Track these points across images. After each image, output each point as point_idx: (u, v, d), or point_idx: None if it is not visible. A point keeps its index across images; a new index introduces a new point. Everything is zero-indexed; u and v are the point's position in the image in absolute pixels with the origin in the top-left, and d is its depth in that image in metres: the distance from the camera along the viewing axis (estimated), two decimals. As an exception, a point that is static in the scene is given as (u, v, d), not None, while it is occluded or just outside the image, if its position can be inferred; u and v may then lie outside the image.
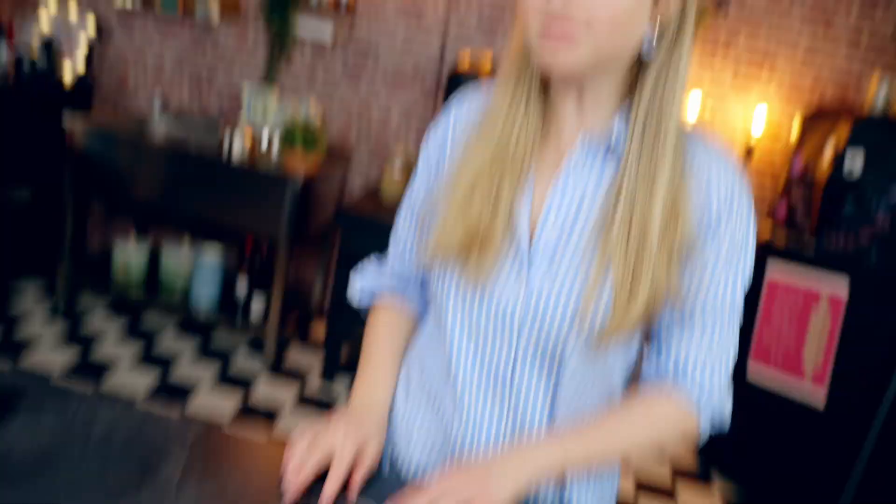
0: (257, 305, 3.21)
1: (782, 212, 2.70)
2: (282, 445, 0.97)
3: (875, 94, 2.60)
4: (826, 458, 2.53)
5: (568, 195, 0.86)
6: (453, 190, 0.88)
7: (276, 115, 3.20)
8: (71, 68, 3.46)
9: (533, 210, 0.88)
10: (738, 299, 0.86)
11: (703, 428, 0.89)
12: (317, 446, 0.86)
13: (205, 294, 3.23)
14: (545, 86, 0.89)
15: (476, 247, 0.86)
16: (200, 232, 3.56)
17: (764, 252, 2.72)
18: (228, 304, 3.26)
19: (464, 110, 0.96)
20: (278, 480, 0.87)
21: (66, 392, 0.96)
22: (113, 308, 3.38)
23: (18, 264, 3.44)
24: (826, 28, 2.98)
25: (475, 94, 0.97)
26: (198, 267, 3.22)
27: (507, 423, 0.93)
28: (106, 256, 3.42)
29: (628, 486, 2.76)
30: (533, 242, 0.87)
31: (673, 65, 0.81)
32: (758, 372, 2.68)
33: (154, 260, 3.38)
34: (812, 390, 2.52)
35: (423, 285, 1.06)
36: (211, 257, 3.20)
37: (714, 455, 2.96)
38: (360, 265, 1.13)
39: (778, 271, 2.63)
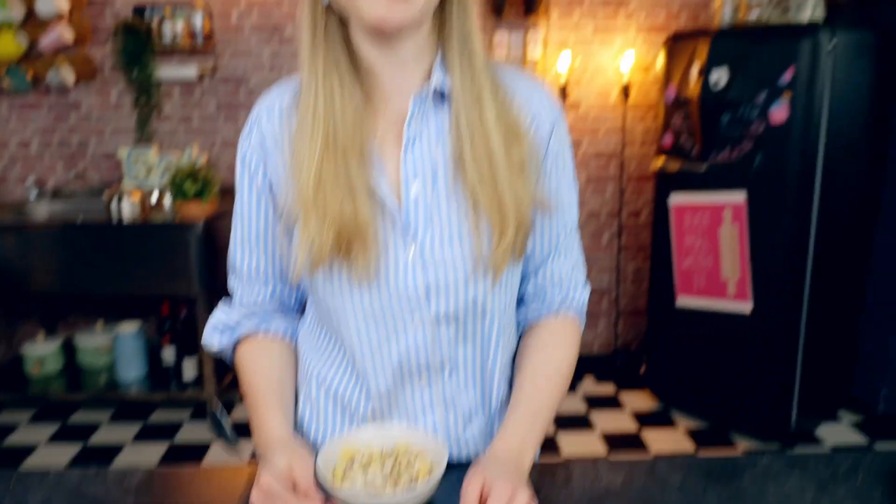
0: (189, 372, 3.07)
1: (669, 140, 2.80)
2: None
3: (721, 9, 2.75)
4: (764, 360, 2.63)
5: (417, 154, 0.85)
6: (301, 193, 0.82)
7: (160, 170, 3.09)
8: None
9: (388, 179, 0.85)
10: (577, 220, 0.96)
11: (581, 331, 0.99)
12: None
13: (132, 374, 3.07)
14: (351, 52, 0.84)
15: (355, 240, 0.82)
16: (113, 312, 3.39)
17: (663, 181, 2.82)
18: (159, 379, 3.11)
19: (266, 103, 0.90)
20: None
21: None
22: (38, 418, 3.15)
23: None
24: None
25: (280, 86, 0.92)
26: (118, 348, 3.07)
27: (443, 409, 0.91)
28: (17, 362, 3.21)
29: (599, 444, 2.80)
30: (404, 211, 0.84)
31: None
32: (685, 303, 2.77)
33: (70, 353, 3.19)
34: (737, 305, 2.63)
35: (285, 309, 1.00)
36: (130, 334, 3.05)
37: (670, 397, 3.05)
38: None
39: (679, 196, 2.73)
